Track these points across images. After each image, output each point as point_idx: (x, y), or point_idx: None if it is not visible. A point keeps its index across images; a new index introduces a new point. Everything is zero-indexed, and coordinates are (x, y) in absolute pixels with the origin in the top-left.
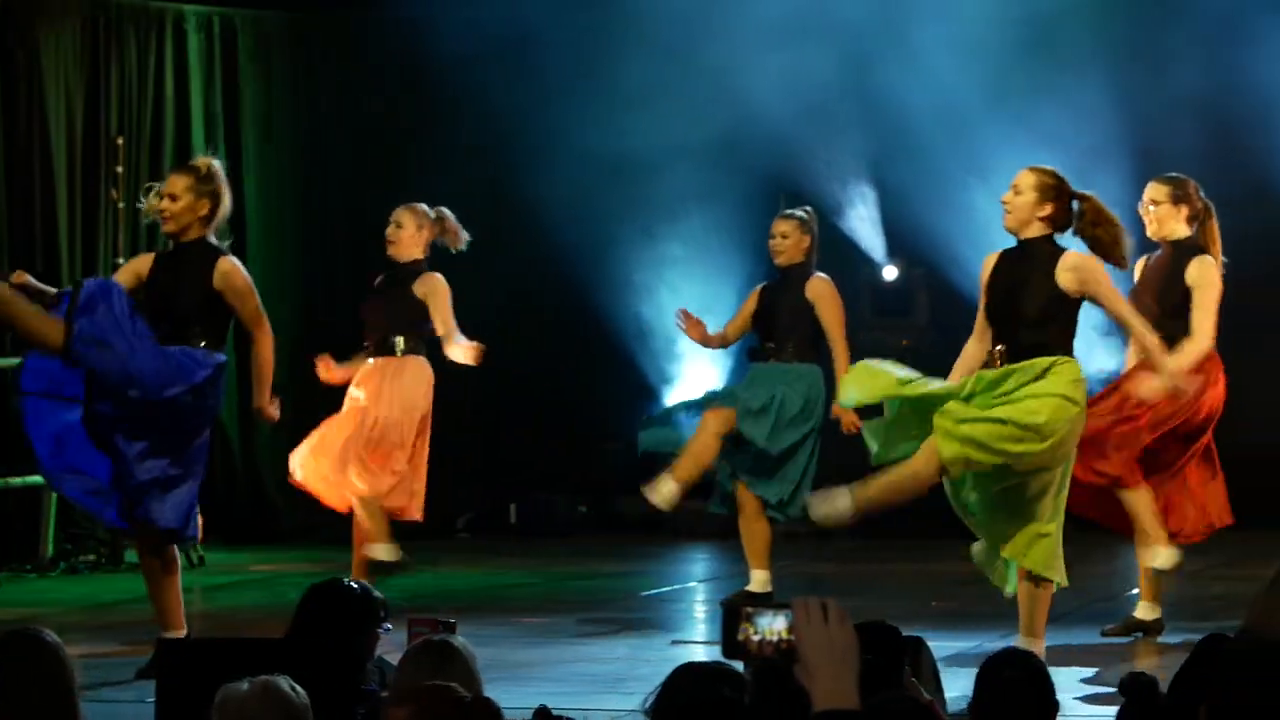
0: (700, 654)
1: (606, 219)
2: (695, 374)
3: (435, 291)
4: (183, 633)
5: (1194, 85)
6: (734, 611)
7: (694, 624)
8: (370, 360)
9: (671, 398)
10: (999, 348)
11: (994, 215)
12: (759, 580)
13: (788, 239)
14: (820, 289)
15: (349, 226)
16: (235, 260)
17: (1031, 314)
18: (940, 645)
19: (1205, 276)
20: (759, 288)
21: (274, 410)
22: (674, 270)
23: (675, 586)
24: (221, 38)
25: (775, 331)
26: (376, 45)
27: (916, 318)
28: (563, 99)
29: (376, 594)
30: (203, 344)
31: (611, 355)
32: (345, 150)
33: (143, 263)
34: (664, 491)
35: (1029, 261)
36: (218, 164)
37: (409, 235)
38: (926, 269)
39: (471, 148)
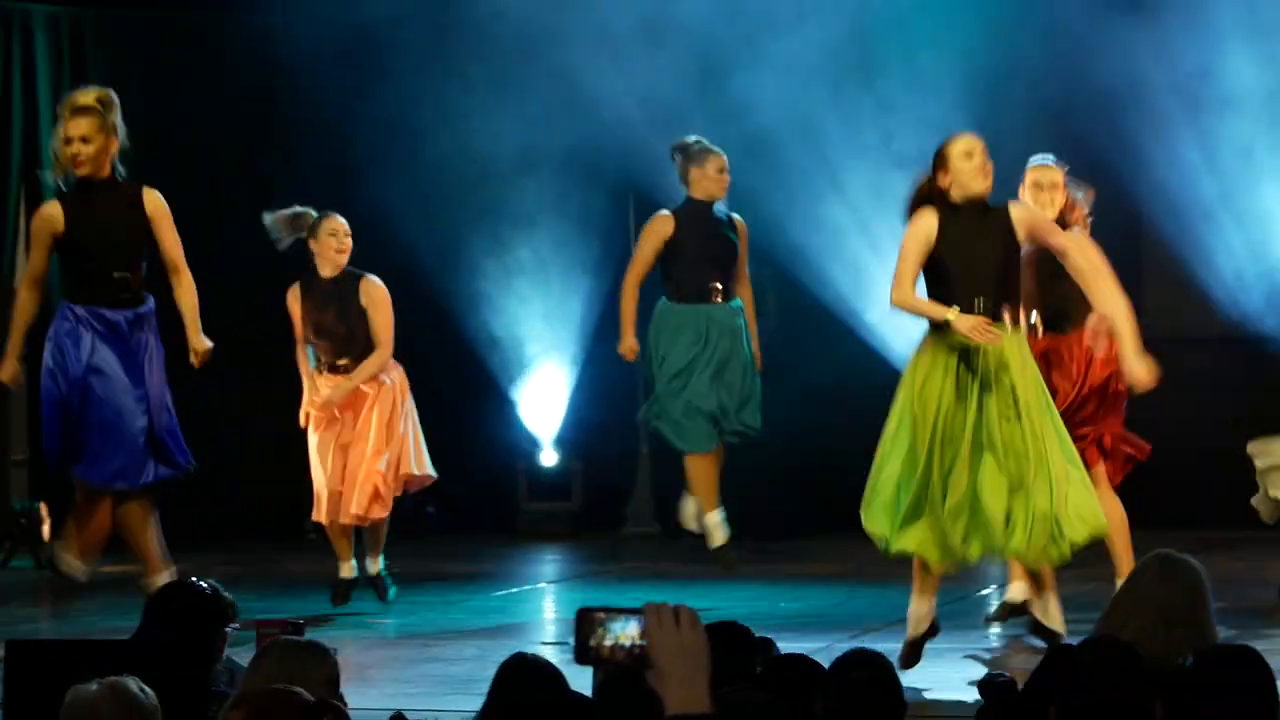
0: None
1: (456, 226)
2: (542, 381)
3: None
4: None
5: (1041, 91)
6: (585, 617)
7: (543, 625)
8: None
9: (522, 402)
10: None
11: (844, 218)
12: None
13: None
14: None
15: (197, 227)
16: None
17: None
18: (789, 647)
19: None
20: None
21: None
22: (523, 279)
23: (525, 587)
24: (70, 37)
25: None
26: (228, 45)
27: (766, 319)
28: (411, 103)
29: (225, 594)
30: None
31: (460, 362)
32: (197, 151)
33: (52, 218)
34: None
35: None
36: (109, 91)
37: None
38: (775, 269)
39: (317, 152)
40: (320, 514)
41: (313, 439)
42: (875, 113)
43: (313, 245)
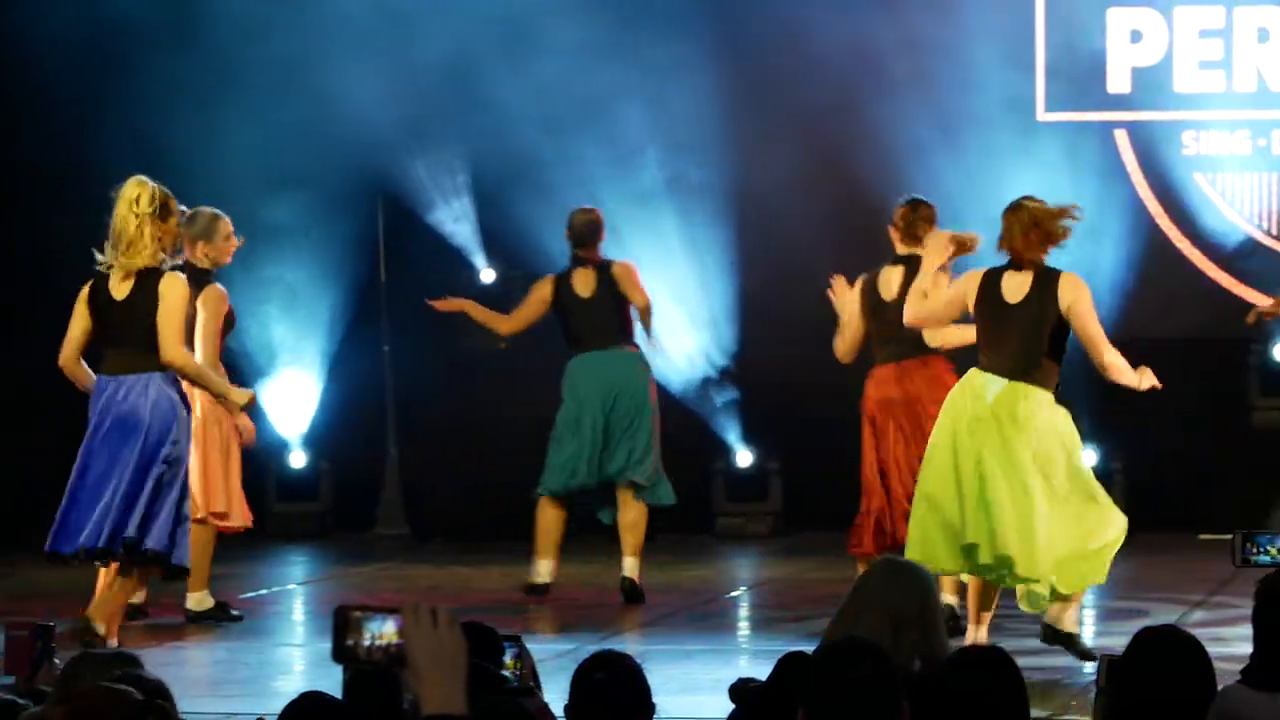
0: (299, 657)
1: None
2: (290, 383)
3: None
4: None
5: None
6: (343, 616)
7: (293, 626)
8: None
9: (269, 404)
10: None
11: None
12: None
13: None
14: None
15: None
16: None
17: None
18: (537, 649)
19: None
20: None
21: None
22: (272, 285)
23: (275, 589)
24: None
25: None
26: None
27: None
28: (146, 106)
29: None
30: None
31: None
32: None
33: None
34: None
35: None
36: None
37: None
38: (524, 272)
39: (47, 151)
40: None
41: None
42: (633, 114)
43: (204, 246)
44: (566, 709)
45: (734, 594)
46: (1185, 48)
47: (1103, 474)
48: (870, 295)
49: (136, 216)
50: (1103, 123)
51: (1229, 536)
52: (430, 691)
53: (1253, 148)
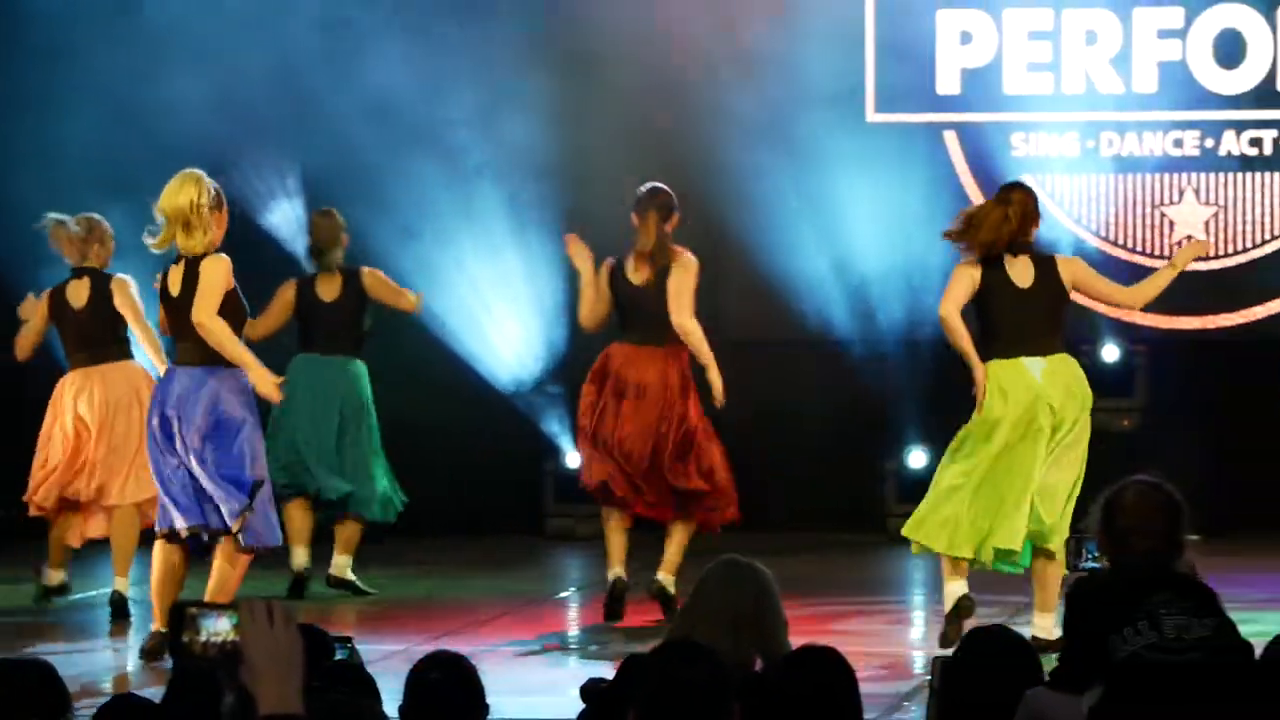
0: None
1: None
2: None
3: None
4: None
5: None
6: (179, 612)
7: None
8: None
9: None
10: None
11: (416, 210)
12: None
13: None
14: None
15: None
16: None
17: None
18: (368, 649)
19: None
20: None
21: None
22: None
23: (95, 592)
24: None
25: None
26: None
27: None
28: None
29: None
30: None
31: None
32: None
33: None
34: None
35: None
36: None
37: None
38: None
39: None
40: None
41: None
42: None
43: (99, 249)
44: (401, 710)
45: (564, 595)
46: (1014, 50)
47: (931, 474)
48: (616, 278)
49: (193, 208)
50: (932, 124)
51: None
52: (267, 690)
53: (1081, 149)
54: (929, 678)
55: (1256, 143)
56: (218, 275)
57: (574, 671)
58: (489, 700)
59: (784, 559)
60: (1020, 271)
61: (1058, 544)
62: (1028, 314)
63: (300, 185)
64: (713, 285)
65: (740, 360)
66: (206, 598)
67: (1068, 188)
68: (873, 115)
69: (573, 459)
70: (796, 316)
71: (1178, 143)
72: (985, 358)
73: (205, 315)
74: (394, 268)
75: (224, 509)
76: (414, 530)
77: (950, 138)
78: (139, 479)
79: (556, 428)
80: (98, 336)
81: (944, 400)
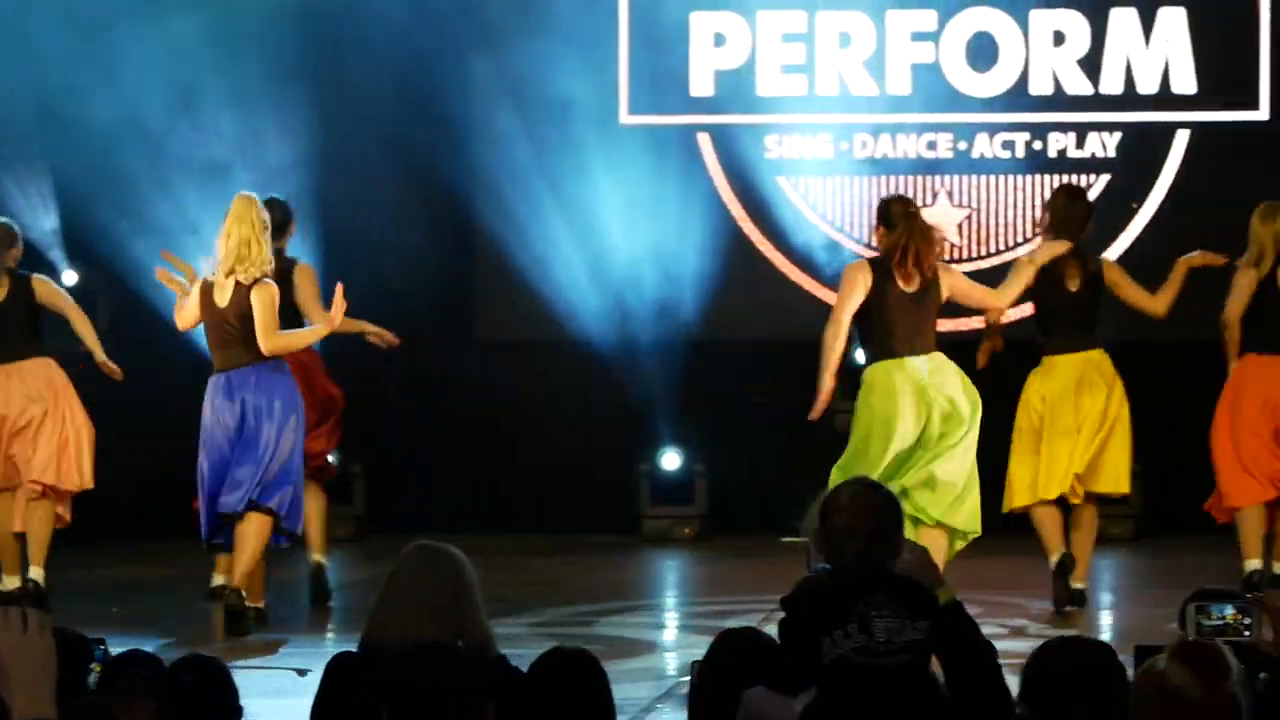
0: None
1: None
2: None
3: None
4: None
5: (383, 103)
6: None
7: None
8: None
9: None
10: None
11: (174, 221)
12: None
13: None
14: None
15: None
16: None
17: None
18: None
19: None
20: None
21: None
22: None
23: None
24: None
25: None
26: None
27: (99, 322)
28: None
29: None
30: None
31: None
32: None
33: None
34: None
35: None
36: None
37: None
38: (106, 272)
39: None
40: None
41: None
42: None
43: (14, 251)
44: (157, 711)
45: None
46: (768, 52)
47: (686, 476)
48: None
49: (253, 230)
50: (686, 126)
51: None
52: (20, 696)
53: (835, 151)
54: (682, 680)
55: (1009, 145)
56: (273, 299)
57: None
58: (242, 703)
59: (537, 560)
60: (904, 276)
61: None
62: (910, 316)
63: (53, 192)
64: (468, 287)
65: (494, 362)
66: (241, 575)
67: (821, 190)
68: (626, 117)
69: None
70: (551, 318)
71: (931, 145)
72: (874, 359)
73: (270, 340)
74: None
75: (278, 494)
76: (161, 537)
77: (704, 140)
78: (51, 465)
79: None
80: (16, 335)
81: (697, 402)
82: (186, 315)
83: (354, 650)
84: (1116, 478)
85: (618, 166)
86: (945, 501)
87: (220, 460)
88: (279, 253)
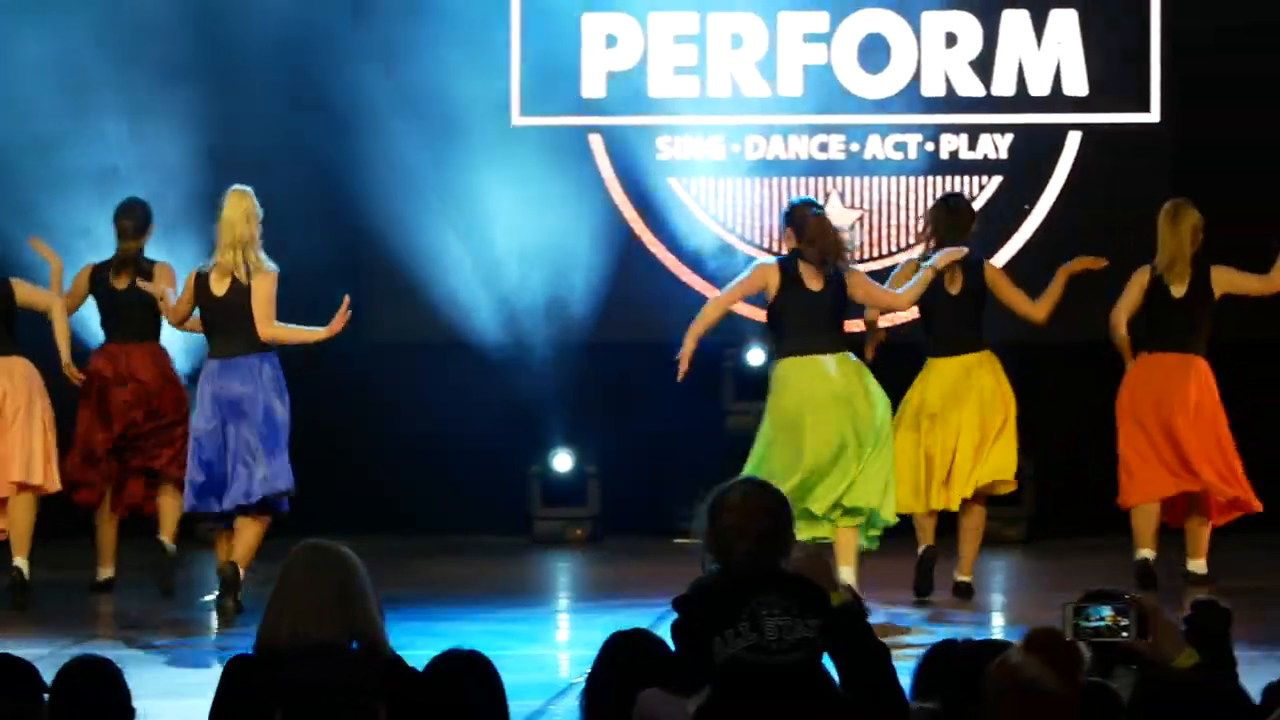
0: None
1: None
2: None
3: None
4: None
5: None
6: None
7: None
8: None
9: None
10: None
11: (60, 219)
12: None
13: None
14: None
15: None
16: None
17: None
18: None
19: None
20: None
21: None
22: None
23: None
24: None
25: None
26: None
27: None
28: None
29: None
30: None
31: None
32: None
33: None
34: None
35: None
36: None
37: None
38: None
39: None
40: None
41: None
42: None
43: None
44: (48, 712)
45: (208, 597)
46: (660, 53)
47: (578, 477)
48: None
49: (248, 221)
50: (577, 127)
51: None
52: None
53: (727, 153)
54: (575, 681)
55: (901, 147)
56: (271, 288)
57: (215, 673)
58: (135, 704)
59: (430, 561)
60: (812, 276)
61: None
62: (819, 316)
63: None
64: (360, 289)
65: (386, 363)
66: (244, 562)
67: (713, 191)
68: (518, 119)
69: None
70: (442, 319)
71: (823, 147)
72: (783, 357)
73: (268, 327)
74: (44, 278)
75: (277, 483)
76: None
77: (595, 141)
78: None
79: None
80: None
81: (589, 403)
82: (179, 311)
83: (249, 652)
84: (996, 470)
85: (510, 167)
86: (876, 491)
87: (214, 443)
88: (139, 253)
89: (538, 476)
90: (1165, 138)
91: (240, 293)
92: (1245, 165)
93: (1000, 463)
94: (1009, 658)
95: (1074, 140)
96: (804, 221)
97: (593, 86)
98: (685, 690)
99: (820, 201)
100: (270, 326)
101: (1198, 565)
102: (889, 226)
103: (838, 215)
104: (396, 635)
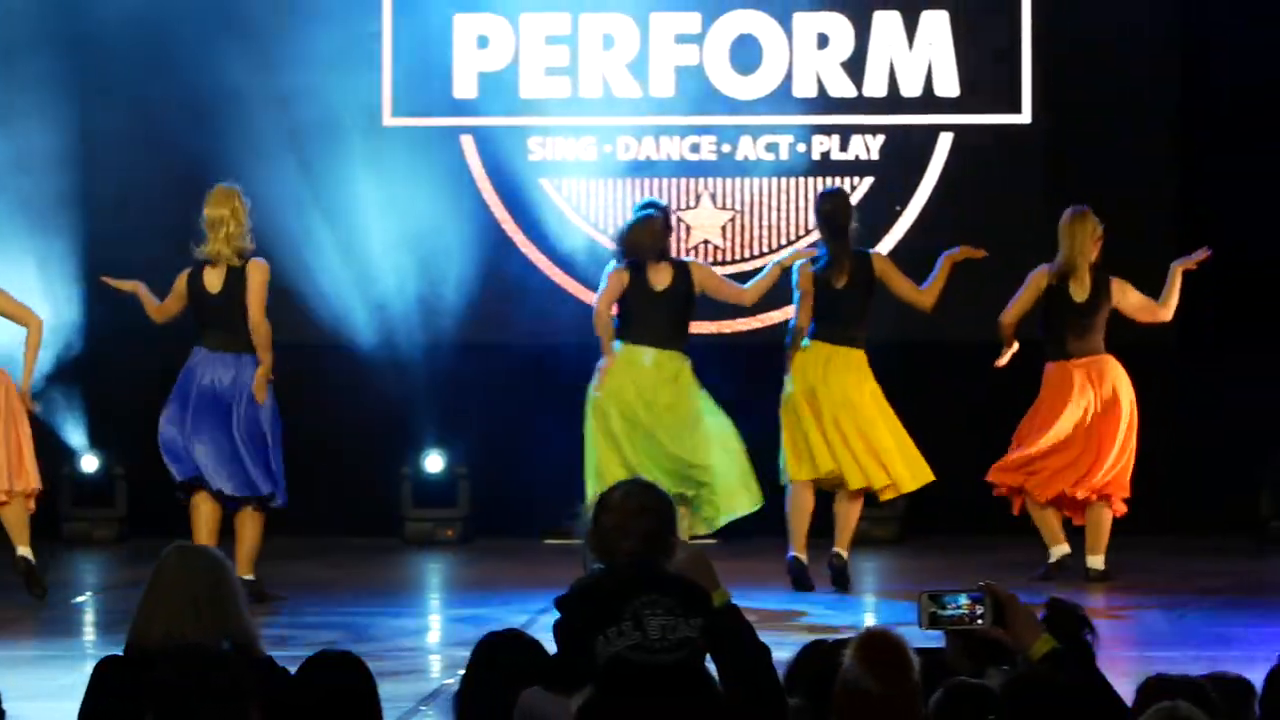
0: None
1: None
2: None
3: None
4: None
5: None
6: None
7: None
8: None
9: None
10: None
11: None
12: None
13: None
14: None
15: None
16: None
17: None
18: None
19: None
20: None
21: None
22: None
23: None
24: None
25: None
26: None
27: None
28: None
29: None
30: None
31: None
32: None
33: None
34: None
35: None
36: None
37: None
38: None
39: None
40: None
41: None
42: None
43: None
44: None
45: (79, 599)
46: (531, 54)
47: (448, 478)
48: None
49: (236, 216)
50: (449, 128)
51: (573, 540)
52: None
53: (599, 154)
54: (446, 682)
55: (773, 148)
56: (264, 277)
57: (85, 677)
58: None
59: (300, 563)
60: (659, 275)
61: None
62: (658, 312)
63: None
64: None
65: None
66: (247, 562)
67: (585, 192)
68: (389, 119)
69: (89, 462)
70: (313, 320)
71: (694, 148)
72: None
73: (259, 314)
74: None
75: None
76: None
77: (467, 142)
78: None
79: (70, 430)
80: None
81: (460, 404)
82: (166, 308)
83: (119, 654)
84: (916, 477)
85: (381, 168)
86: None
87: (198, 421)
88: None
89: (409, 478)
90: (1036, 138)
91: (235, 287)
92: (1115, 166)
93: (918, 470)
94: (844, 660)
95: (945, 141)
96: (627, 227)
97: (464, 87)
98: (566, 690)
99: (691, 202)
100: (262, 312)
101: (1097, 561)
102: (761, 227)
103: (709, 217)
104: (268, 636)
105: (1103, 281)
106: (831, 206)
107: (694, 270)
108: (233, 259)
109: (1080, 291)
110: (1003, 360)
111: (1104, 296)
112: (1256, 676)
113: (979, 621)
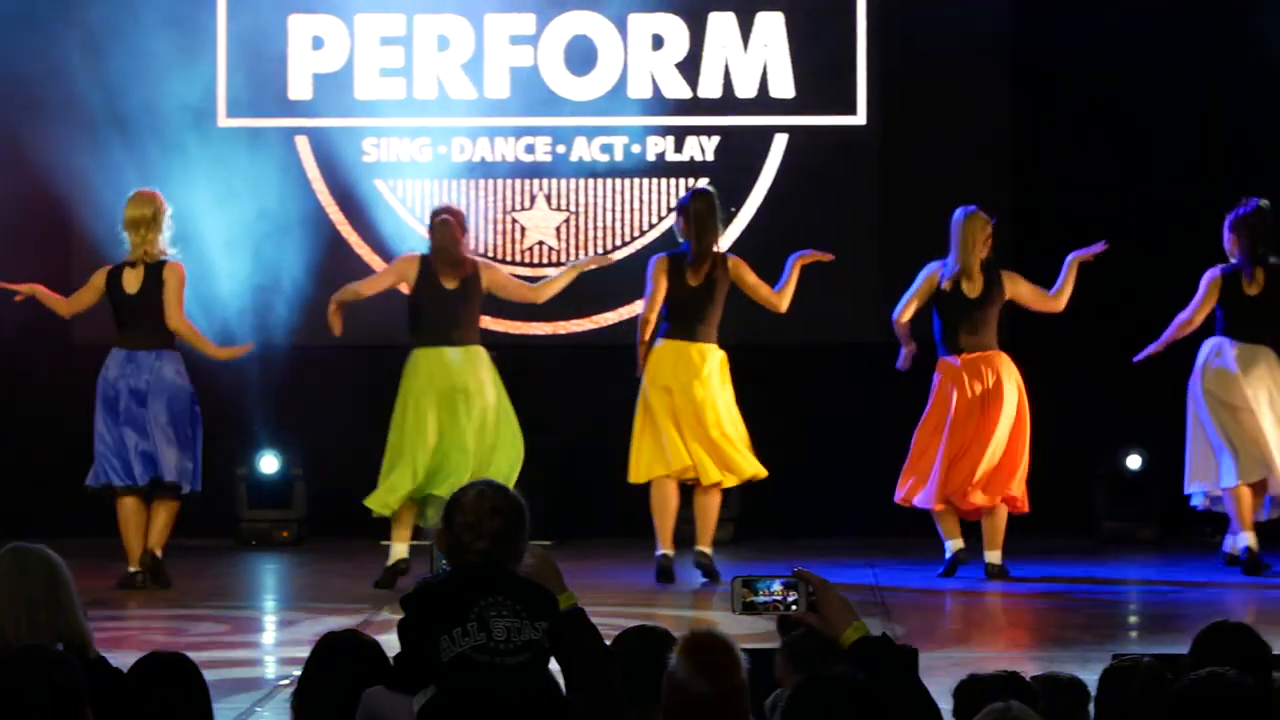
0: None
1: None
2: None
3: None
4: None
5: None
6: None
7: None
8: None
9: None
10: None
11: None
12: None
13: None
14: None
15: None
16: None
17: None
18: None
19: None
20: None
21: None
22: None
23: None
24: None
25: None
26: None
27: None
28: None
29: None
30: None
31: None
32: None
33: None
34: None
35: None
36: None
37: None
38: None
39: None
40: None
41: None
42: None
43: None
44: None
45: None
46: (366, 55)
47: (284, 479)
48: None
49: (156, 219)
50: (284, 129)
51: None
52: None
53: (433, 155)
54: (282, 683)
55: (608, 149)
56: (180, 280)
57: None
58: None
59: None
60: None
61: None
62: (452, 311)
63: None
64: (67, 292)
65: (85, 364)
66: (159, 543)
67: (420, 193)
68: (224, 120)
69: None
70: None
71: (529, 149)
72: (413, 347)
73: (177, 316)
74: None
75: (179, 466)
76: None
77: (302, 143)
78: None
79: None
80: None
81: (295, 405)
82: (78, 300)
83: None
84: (715, 472)
85: (216, 169)
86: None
87: (119, 424)
88: None
89: (244, 479)
90: (871, 140)
91: (151, 287)
92: (949, 167)
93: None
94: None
95: (780, 142)
96: (431, 229)
97: (299, 88)
98: (409, 689)
99: (526, 203)
100: (179, 315)
101: (994, 556)
102: (596, 228)
103: (544, 218)
104: (100, 639)
105: (994, 276)
106: (704, 206)
107: (483, 271)
108: (152, 260)
109: (972, 288)
110: (906, 363)
111: (997, 291)
112: (1090, 678)
113: (793, 607)
